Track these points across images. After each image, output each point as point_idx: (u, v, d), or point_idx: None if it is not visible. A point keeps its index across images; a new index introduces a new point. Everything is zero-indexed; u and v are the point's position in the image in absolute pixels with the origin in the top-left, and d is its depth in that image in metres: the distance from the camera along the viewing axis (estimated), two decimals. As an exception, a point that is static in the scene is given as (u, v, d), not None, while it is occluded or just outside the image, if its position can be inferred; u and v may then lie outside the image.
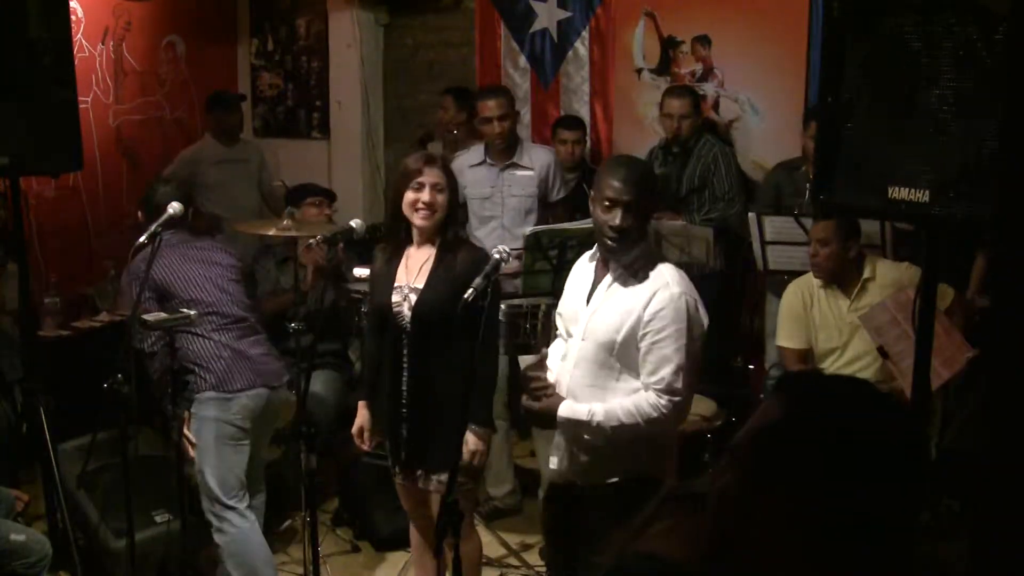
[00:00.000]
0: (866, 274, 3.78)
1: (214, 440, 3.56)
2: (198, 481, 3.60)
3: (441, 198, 3.10)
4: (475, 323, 2.74)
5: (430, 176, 3.09)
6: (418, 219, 3.11)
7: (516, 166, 4.69)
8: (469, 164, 4.72)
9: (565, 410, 2.76)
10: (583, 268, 2.93)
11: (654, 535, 1.25)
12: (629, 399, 2.72)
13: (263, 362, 3.72)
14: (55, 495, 3.58)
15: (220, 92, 5.93)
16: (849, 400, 1.20)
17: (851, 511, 1.12)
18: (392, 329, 3.18)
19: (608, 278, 2.78)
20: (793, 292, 3.97)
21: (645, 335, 2.69)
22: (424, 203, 3.08)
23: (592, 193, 2.79)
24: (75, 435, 3.90)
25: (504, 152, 4.70)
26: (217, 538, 3.61)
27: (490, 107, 4.53)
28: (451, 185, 3.15)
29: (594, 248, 2.88)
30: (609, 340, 2.73)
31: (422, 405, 3.15)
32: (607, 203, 2.68)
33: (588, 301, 2.80)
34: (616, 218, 2.66)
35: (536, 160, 4.71)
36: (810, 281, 3.90)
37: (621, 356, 2.74)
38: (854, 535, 1.12)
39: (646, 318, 2.68)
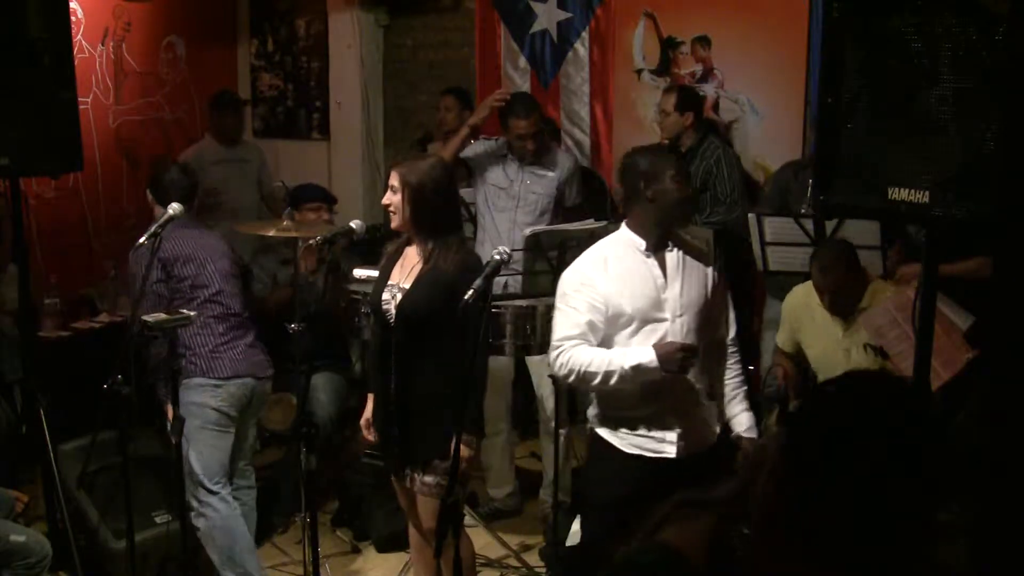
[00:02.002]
0: (864, 303, 3.66)
1: (199, 426, 3.60)
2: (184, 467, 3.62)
3: (396, 199, 3.11)
4: (471, 324, 2.73)
5: (391, 178, 3.16)
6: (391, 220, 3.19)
7: (539, 165, 4.67)
8: (495, 153, 4.68)
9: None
10: (626, 265, 2.94)
11: (667, 530, 1.32)
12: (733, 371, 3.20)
13: (251, 353, 3.80)
14: (55, 495, 3.59)
15: (221, 92, 5.92)
16: (879, 395, 1.26)
17: (875, 504, 1.17)
18: (381, 326, 3.20)
19: (675, 254, 2.96)
20: (796, 297, 3.91)
21: (718, 289, 3.03)
22: (384, 204, 3.17)
23: (646, 186, 2.89)
24: (75, 435, 3.90)
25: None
26: (197, 523, 3.65)
27: (522, 126, 4.51)
28: (412, 185, 3.09)
29: (610, 246, 2.96)
30: (704, 303, 2.97)
31: (408, 404, 3.14)
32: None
33: (667, 284, 2.91)
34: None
35: (559, 164, 4.69)
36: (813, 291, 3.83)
37: (713, 312, 3.03)
38: (876, 528, 1.17)
39: (718, 275, 3.04)
